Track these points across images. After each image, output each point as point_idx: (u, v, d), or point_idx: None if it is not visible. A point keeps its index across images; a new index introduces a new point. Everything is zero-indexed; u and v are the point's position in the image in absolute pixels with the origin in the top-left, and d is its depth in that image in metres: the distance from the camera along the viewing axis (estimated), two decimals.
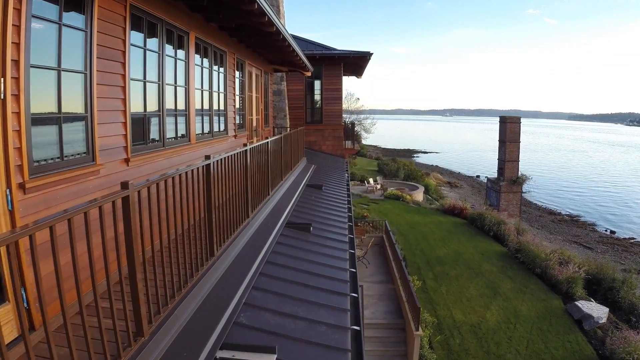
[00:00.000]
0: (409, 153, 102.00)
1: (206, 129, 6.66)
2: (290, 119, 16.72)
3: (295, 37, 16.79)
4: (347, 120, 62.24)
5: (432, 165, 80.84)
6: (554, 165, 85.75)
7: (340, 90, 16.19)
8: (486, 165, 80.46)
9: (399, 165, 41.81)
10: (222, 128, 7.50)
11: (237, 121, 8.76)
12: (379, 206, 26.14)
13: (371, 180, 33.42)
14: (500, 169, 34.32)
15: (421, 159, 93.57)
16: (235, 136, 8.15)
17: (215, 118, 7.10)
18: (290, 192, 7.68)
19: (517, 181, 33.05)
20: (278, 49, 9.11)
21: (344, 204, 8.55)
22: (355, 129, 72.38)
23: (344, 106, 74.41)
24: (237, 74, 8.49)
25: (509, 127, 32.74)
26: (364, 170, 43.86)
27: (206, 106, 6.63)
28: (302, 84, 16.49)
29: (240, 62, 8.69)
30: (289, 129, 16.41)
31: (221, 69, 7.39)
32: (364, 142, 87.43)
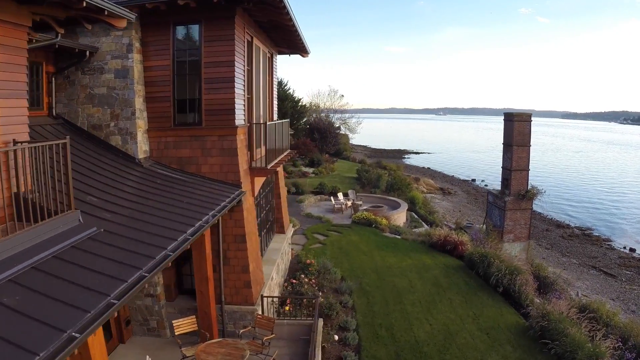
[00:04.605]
0: (400, 154, 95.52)
1: None
2: (150, 118, 9.41)
3: None
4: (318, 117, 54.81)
5: (423, 167, 74.03)
6: (555, 167, 79.27)
7: (232, 62, 8.89)
8: (481, 168, 73.68)
9: (379, 173, 34.48)
10: None
11: None
12: (341, 237, 18.84)
13: (340, 195, 26.13)
14: (505, 180, 27.11)
15: (413, 160, 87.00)
16: None
17: None
18: None
19: (527, 196, 25.88)
20: None
21: None
22: (342, 129, 65.60)
23: (327, 104, 67.59)
24: None
25: (517, 127, 25.48)
26: (340, 179, 36.53)
27: None
28: (169, 57, 9.16)
29: None
30: (138, 134, 9.09)
31: None
32: (352, 142, 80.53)
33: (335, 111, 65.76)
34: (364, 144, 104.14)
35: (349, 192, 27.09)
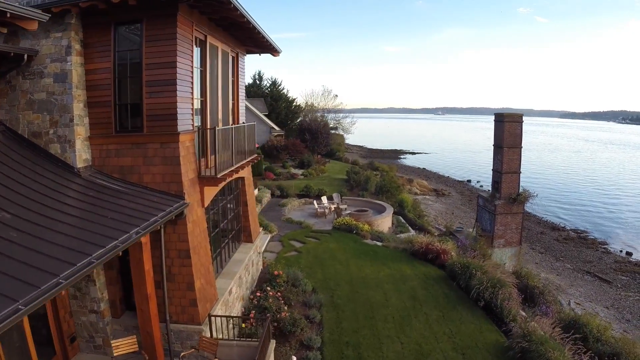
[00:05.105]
0: (396, 154, 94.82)
1: None
2: (92, 124, 8.67)
3: None
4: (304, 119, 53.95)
5: (418, 168, 73.26)
6: (553, 168, 78.55)
7: (174, 64, 8.16)
8: (477, 168, 72.90)
9: (368, 175, 33.73)
10: None
11: None
12: (319, 244, 18.11)
13: (324, 198, 25.39)
14: (496, 183, 26.38)
15: (408, 160, 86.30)
16: None
17: None
18: None
19: (518, 199, 25.15)
20: None
21: None
22: (338, 129, 64.78)
23: (321, 104, 66.86)
24: None
25: (508, 128, 24.75)
26: (329, 181, 35.77)
27: None
28: (110, 59, 8.43)
29: None
30: (77, 142, 8.38)
31: None
32: (348, 142, 79.80)
33: (330, 111, 65.01)
34: (361, 144, 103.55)
35: (334, 195, 26.37)
